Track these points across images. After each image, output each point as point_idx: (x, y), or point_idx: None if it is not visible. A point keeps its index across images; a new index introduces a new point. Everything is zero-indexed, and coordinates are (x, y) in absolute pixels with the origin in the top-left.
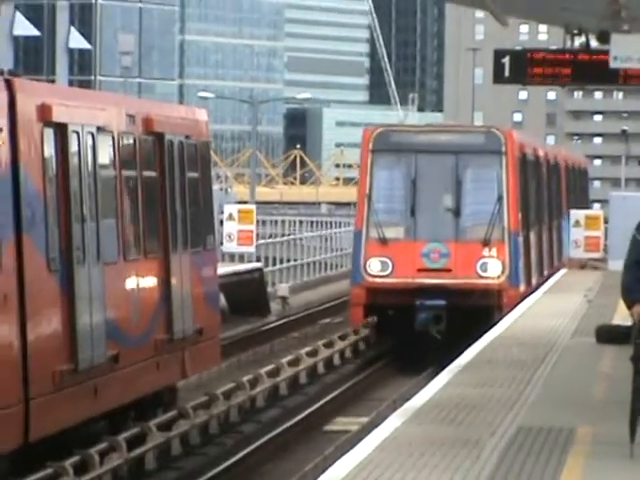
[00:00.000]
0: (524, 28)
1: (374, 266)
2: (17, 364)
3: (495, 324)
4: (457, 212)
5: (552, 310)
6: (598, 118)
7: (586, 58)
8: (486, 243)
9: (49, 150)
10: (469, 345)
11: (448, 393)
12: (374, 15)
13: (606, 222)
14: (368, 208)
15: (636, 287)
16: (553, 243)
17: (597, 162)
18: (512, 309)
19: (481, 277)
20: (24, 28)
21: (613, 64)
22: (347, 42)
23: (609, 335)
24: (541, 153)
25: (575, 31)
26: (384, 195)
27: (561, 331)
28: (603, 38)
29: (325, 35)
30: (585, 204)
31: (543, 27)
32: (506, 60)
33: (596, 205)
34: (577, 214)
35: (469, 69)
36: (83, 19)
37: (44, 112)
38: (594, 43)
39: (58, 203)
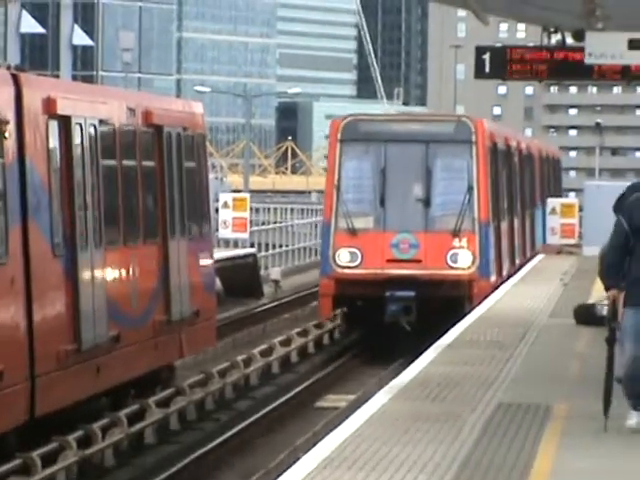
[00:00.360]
0: (504, 26)
1: (343, 257)
2: (24, 344)
3: (466, 315)
4: (427, 202)
5: (530, 293)
6: (573, 112)
7: (562, 55)
8: (456, 233)
9: (53, 141)
10: (440, 335)
11: (432, 371)
12: (361, 14)
13: (581, 210)
14: (337, 199)
15: (613, 273)
16: (526, 232)
17: (572, 153)
18: (483, 300)
19: (451, 268)
20: (30, 26)
21: (588, 60)
22: (336, 39)
23: (587, 316)
24: (513, 143)
25: (552, 29)
26: (353, 185)
27: (539, 312)
28: (578, 36)
29: (315, 33)
30: (558, 193)
31: (522, 25)
32: (487, 57)
33: (572, 194)
34: (553, 202)
35: (451, 65)
36: (86, 17)
37: (49, 105)
38: (570, 41)
39: (62, 191)
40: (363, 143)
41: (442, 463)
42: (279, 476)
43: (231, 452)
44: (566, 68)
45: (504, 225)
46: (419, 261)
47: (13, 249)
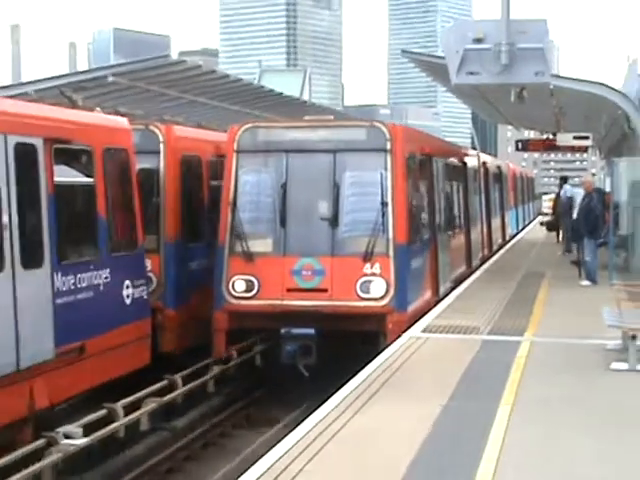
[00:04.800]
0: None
1: (238, 286)
2: None
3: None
4: (334, 222)
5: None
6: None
7: (549, 142)
8: (368, 258)
9: None
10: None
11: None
12: None
13: None
14: (232, 218)
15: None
16: (473, 243)
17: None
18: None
19: (361, 299)
20: None
21: (558, 143)
22: None
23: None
24: (450, 153)
25: (545, 131)
26: (250, 203)
27: (540, 238)
28: (554, 134)
29: None
30: (531, 200)
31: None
32: (519, 144)
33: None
34: (545, 198)
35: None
36: None
37: None
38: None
39: None
40: (262, 154)
41: None
42: None
43: None
44: (549, 146)
45: (431, 245)
46: (324, 290)
47: None
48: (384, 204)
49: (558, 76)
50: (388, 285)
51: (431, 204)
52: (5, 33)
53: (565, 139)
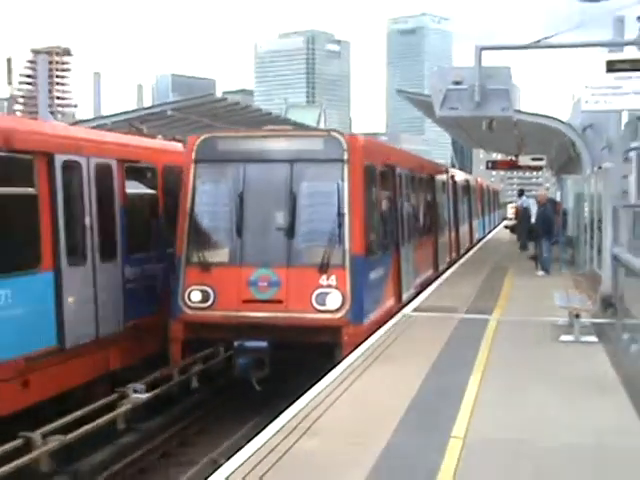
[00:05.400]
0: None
1: (194, 296)
2: None
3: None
4: (290, 232)
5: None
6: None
7: (514, 162)
8: (324, 269)
9: None
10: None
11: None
12: None
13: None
14: (189, 228)
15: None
16: (441, 249)
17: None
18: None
19: (317, 311)
20: None
21: (520, 163)
22: None
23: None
24: (421, 166)
25: (510, 154)
26: (207, 213)
27: (504, 239)
28: (517, 156)
29: None
30: (497, 209)
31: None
32: (489, 163)
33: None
34: (510, 206)
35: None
36: None
37: None
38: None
39: None
40: (220, 164)
41: None
42: None
43: None
44: (514, 165)
45: (393, 255)
46: (279, 302)
47: None
48: (340, 215)
49: (519, 111)
50: (344, 297)
51: (394, 214)
52: (89, 78)
53: (525, 160)
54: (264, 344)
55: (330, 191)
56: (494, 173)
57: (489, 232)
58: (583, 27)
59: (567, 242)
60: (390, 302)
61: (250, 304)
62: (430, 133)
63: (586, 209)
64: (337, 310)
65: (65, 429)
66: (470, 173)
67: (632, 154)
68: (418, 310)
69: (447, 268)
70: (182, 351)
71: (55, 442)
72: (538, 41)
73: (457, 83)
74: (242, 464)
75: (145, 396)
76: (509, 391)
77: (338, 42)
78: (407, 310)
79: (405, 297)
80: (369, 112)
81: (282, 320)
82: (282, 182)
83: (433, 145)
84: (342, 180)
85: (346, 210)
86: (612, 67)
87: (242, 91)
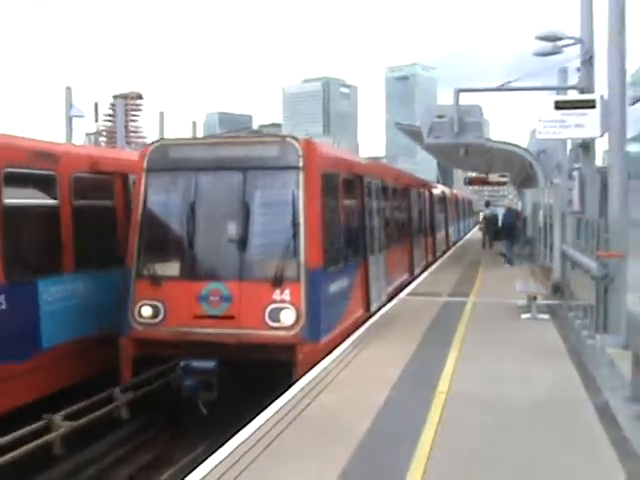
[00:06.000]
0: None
1: (144, 311)
2: None
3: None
4: (242, 244)
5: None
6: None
7: (485, 178)
8: (277, 284)
9: None
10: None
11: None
12: None
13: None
14: (139, 240)
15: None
16: (416, 254)
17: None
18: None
19: (270, 328)
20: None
21: (489, 180)
22: None
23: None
24: (395, 176)
25: (482, 172)
26: (158, 224)
27: (477, 240)
28: (487, 174)
29: None
30: (470, 216)
31: None
32: (466, 179)
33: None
34: (481, 214)
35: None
36: None
37: None
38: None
39: None
40: (171, 173)
41: None
42: None
43: None
44: (484, 182)
45: (360, 265)
46: (231, 318)
47: None
48: (296, 225)
49: (489, 139)
50: (298, 313)
51: (361, 223)
52: (156, 116)
53: (493, 177)
54: (211, 364)
55: (285, 200)
56: (470, 187)
57: (464, 235)
58: (537, 75)
59: (526, 241)
60: (356, 314)
61: (201, 320)
62: (420, 156)
63: (541, 215)
64: (291, 327)
65: None
66: (451, 187)
67: (575, 173)
68: (412, 294)
69: (424, 270)
70: (132, 369)
71: None
72: (502, 85)
73: (440, 117)
74: None
75: (76, 423)
76: (481, 356)
77: (348, 86)
78: (403, 294)
79: (375, 306)
80: (372, 140)
81: (234, 337)
82: (235, 191)
83: (423, 165)
84: (297, 188)
85: (302, 220)
86: (559, 105)
87: (273, 124)
